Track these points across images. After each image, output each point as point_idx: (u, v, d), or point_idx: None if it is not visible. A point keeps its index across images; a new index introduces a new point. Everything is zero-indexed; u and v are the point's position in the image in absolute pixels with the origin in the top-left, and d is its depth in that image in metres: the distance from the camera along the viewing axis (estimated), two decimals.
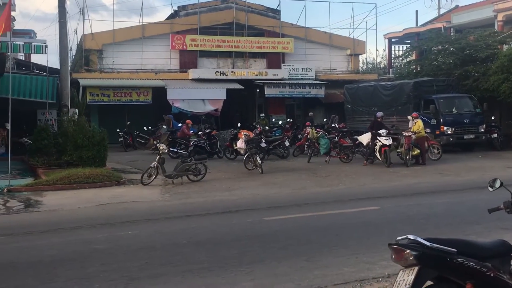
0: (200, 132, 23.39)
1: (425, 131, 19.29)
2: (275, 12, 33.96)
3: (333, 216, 10.52)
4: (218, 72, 30.38)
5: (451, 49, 27.30)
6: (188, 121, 23.89)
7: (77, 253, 7.99)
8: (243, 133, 18.83)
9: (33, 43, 18.08)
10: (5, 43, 15.41)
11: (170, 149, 19.15)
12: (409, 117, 19.69)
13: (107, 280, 6.60)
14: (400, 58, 36.33)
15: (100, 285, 6.43)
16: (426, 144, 19.14)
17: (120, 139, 26.47)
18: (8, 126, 19.19)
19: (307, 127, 22.25)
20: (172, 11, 33.51)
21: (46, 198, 13.03)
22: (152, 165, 15.32)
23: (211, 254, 7.80)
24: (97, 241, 8.69)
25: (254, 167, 17.39)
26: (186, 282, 6.55)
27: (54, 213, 11.49)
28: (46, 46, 17.23)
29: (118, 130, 26.53)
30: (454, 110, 22.34)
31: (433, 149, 19.71)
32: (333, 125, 26.15)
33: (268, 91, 30.27)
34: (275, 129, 26.68)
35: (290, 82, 30.98)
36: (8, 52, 16.35)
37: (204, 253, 7.86)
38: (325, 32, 34.65)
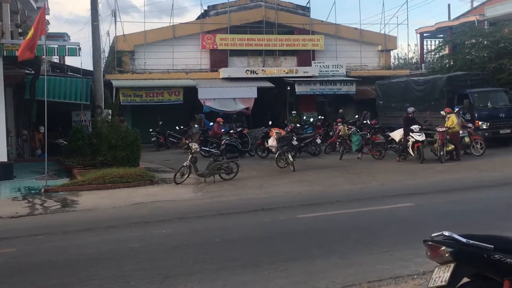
0: (231, 131, 23.48)
1: (467, 126, 18.99)
2: (305, 10, 33.85)
3: (366, 213, 10.44)
4: (248, 70, 30.46)
5: (485, 43, 26.81)
6: (219, 119, 24.00)
7: (113, 251, 8.11)
8: (274, 131, 18.82)
9: (67, 46, 18.41)
10: (40, 46, 15.72)
11: (202, 148, 19.26)
12: (442, 113, 19.40)
13: (143, 278, 6.68)
14: (433, 53, 35.81)
15: (136, 283, 6.52)
16: (468, 140, 18.84)
17: (152, 139, 26.78)
18: (43, 129, 19.59)
19: (339, 124, 22.13)
20: (202, 11, 33.79)
21: (81, 198, 13.25)
22: (184, 164, 15.45)
23: (244, 252, 7.84)
24: (132, 239, 8.80)
25: (285, 165, 17.38)
26: (221, 280, 6.59)
27: (89, 212, 11.68)
28: (79, 49, 17.52)
29: (150, 130, 26.84)
30: (489, 104, 21.92)
31: (476, 145, 19.27)
32: (365, 121, 25.97)
33: (299, 89, 30.20)
34: (306, 126, 26.62)
35: (320, 79, 30.84)
36: (43, 55, 16.67)
37: (238, 251, 7.90)
38: (356, 28, 34.40)
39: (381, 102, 27.87)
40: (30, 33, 15.13)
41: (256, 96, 29.43)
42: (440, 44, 33.97)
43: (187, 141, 21.59)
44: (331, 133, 24.61)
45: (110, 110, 20.34)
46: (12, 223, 10.69)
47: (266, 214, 10.78)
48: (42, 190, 14.12)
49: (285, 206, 11.51)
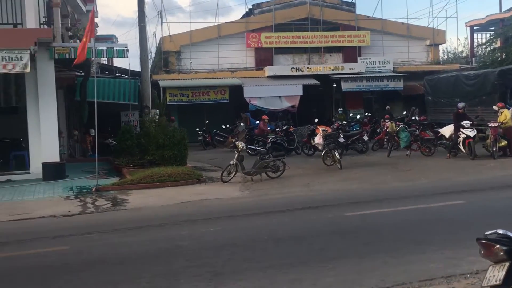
0: (277, 129, 23.46)
1: None
2: (350, 5, 33.50)
3: (416, 211, 10.25)
4: (294, 68, 30.39)
5: None
6: (264, 116, 24.03)
7: (162, 249, 8.22)
8: (320, 128, 18.69)
9: (115, 48, 18.76)
10: (90, 48, 16.07)
11: (248, 146, 19.31)
12: (494, 107, 18.83)
13: (192, 276, 6.74)
14: (484, 46, 34.86)
15: (185, 280, 6.59)
16: None
17: (199, 138, 27.04)
18: (93, 132, 20.04)
19: (386, 121, 21.81)
20: (247, 10, 33.91)
21: (131, 197, 13.49)
22: (231, 162, 15.53)
23: (292, 250, 7.81)
24: (181, 237, 8.90)
25: (332, 163, 17.24)
26: (269, 278, 6.59)
27: (139, 211, 11.88)
28: (127, 50, 17.84)
29: (197, 129, 27.11)
30: None
31: None
32: (413, 118, 25.46)
33: (345, 86, 29.92)
34: (353, 123, 26.34)
35: (367, 75, 30.47)
36: (92, 57, 17.05)
37: (286, 249, 7.88)
38: (403, 23, 33.80)
39: (430, 98, 27.32)
40: (84, 37, 15.57)
41: (301, 94, 29.32)
42: (492, 37, 33.03)
43: (233, 140, 21.70)
44: (378, 130, 24.27)
45: (157, 110, 20.65)
46: (65, 221, 10.97)
47: (313, 212, 10.72)
48: (93, 189, 14.44)
49: (332, 204, 11.42)
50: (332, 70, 30.49)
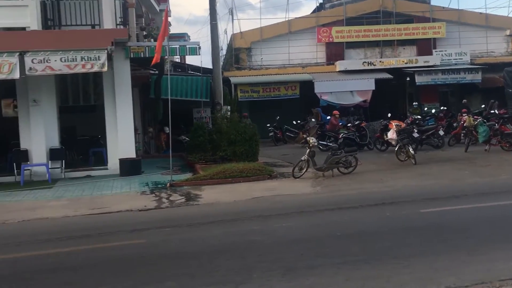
0: (349, 124, 23.16)
1: None
2: None
3: (496, 208, 9.85)
4: (365, 62, 29.93)
5: None
6: (335, 111, 23.77)
7: (235, 244, 8.30)
8: (394, 123, 18.29)
9: (187, 46, 19.11)
10: (164, 47, 16.44)
11: (320, 142, 19.19)
12: None
13: (265, 271, 6.77)
14: None
15: (258, 275, 6.62)
16: None
17: (270, 134, 27.13)
18: (167, 130, 20.51)
19: (464, 115, 21.07)
20: (317, 4, 33.74)
21: (204, 192, 13.70)
22: (302, 158, 15.47)
23: (365, 247, 7.69)
24: (253, 233, 8.96)
25: (406, 158, 16.84)
26: (342, 274, 6.51)
27: (212, 206, 12.05)
28: (199, 48, 18.12)
29: (268, 125, 27.19)
30: None
31: None
32: (492, 111, 24.46)
33: (419, 79, 29.13)
34: (428, 118, 25.59)
35: (442, 68, 29.53)
36: (166, 55, 17.43)
37: (359, 246, 7.77)
38: (481, 13, 32.49)
39: (510, 90, 26.16)
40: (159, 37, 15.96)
41: (374, 88, 28.81)
42: None
43: (304, 136, 21.59)
44: (454, 124, 23.46)
45: (229, 107, 20.87)
46: (141, 215, 11.29)
47: (387, 208, 10.51)
48: (168, 184, 14.77)
49: (406, 200, 11.15)
50: (406, 63, 29.76)
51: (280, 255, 7.46)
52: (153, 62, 16.34)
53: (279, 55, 30.51)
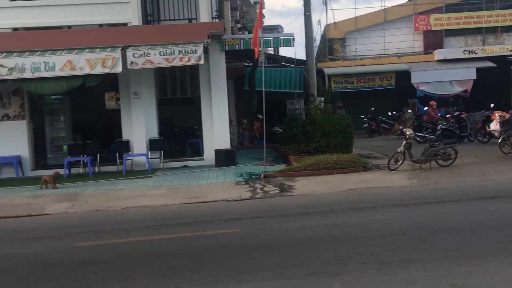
0: (447, 115, 22.30)
1: None
2: None
3: None
4: (466, 50, 28.73)
5: None
6: (432, 102, 22.96)
7: (330, 235, 8.25)
8: (497, 114, 17.41)
9: (281, 37, 19.19)
10: (258, 39, 16.58)
11: (417, 133, 18.63)
12: None
13: (360, 263, 6.67)
14: None
15: (353, 267, 6.54)
16: None
17: (364, 125, 26.69)
18: (261, 117, 20.70)
19: None
20: None
21: (298, 183, 13.71)
22: (398, 150, 15.09)
23: (467, 242, 7.38)
24: (348, 224, 8.86)
25: (510, 151, 15.98)
26: (441, 269, 6.28)
27: (306, 197, 12.04)
28: (293, 39, 18.12)
29: (362, 116, 26.76)
30: None
31: None
32: None
33: None
34: None
35: None
36: (260, 47, 17.57)
37: (459, 240, 7.47)
38: None
39: None
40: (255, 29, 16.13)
41: (475, 78, 27.62)
42: None
43: (400, 127, 21.06)
44: None
45: (322, 98, 20.74)
46: (236, 205, 11.49)
47: (490, 202, 10.04)
48: (262, 175, 14.91)
49: (511, 195, 10.59)
50: (510, 51, 28.19)
51: (376, 248, 7.32)
52: (256, 56, 16.47)
53: (374, 45, 29.90)
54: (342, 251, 7.28)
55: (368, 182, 13.31)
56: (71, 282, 6.68)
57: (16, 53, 15.83)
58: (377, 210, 9.99)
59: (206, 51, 16.40)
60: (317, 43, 33.92)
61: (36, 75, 15.61)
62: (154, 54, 15.78)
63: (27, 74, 15.61)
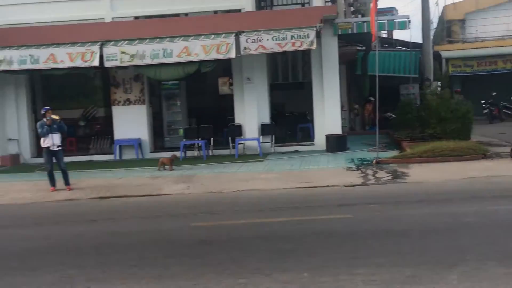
0: None
1: None
2: None
3: None
4: None
5: None
6: None
7: (446, 224, 7.92)
8: None
9: (396, 20, 18.59)
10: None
11: None
12: None
13: (479, 254, 6.32)
14: None
15: (471, 258, 6.19)
16: None
17: (484, 111, 25.31)
18: (372, 99, 20.27)
19: None
20: None
21: (411, 170, 13.29)
22: None
23: None
24: (465, 214, 8.45)
25: None
26: None
27: (420, 184, 11.64)
28: (409, 21, 17.51)
29: (482, 101, 25.37)
30: None
31: None
32: None
33: None
34: None
35: None
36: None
37: None
38: None
39: None
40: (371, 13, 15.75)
41: None
42: None
43: None
44: None
45: (439, 82, 19.93)
46: (348, 191, 11.37)
47: None
48: (374, 161, 14.63)
49: None
50: None
51: (498, 239, 6.93)
52: (373, 39, 16.14)
53: (497, 25, 28.07)
54: (459, 241, 6.98)
55: (488, 171, 12.61)
56: (188, 259, 6.95)
57: (137, 41, 16.66)
58: (499, 200, 9.45)
59: (318, 35, 16.29)
60: (434, 25, 32.57)
61: (155, 61, 16.36)
62: (267, 40, 15.93)
63: (147, 61, 16.40)
